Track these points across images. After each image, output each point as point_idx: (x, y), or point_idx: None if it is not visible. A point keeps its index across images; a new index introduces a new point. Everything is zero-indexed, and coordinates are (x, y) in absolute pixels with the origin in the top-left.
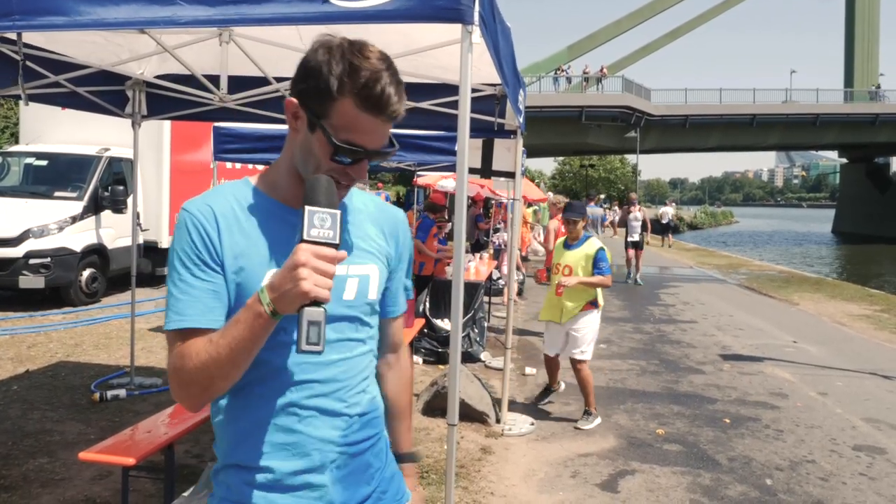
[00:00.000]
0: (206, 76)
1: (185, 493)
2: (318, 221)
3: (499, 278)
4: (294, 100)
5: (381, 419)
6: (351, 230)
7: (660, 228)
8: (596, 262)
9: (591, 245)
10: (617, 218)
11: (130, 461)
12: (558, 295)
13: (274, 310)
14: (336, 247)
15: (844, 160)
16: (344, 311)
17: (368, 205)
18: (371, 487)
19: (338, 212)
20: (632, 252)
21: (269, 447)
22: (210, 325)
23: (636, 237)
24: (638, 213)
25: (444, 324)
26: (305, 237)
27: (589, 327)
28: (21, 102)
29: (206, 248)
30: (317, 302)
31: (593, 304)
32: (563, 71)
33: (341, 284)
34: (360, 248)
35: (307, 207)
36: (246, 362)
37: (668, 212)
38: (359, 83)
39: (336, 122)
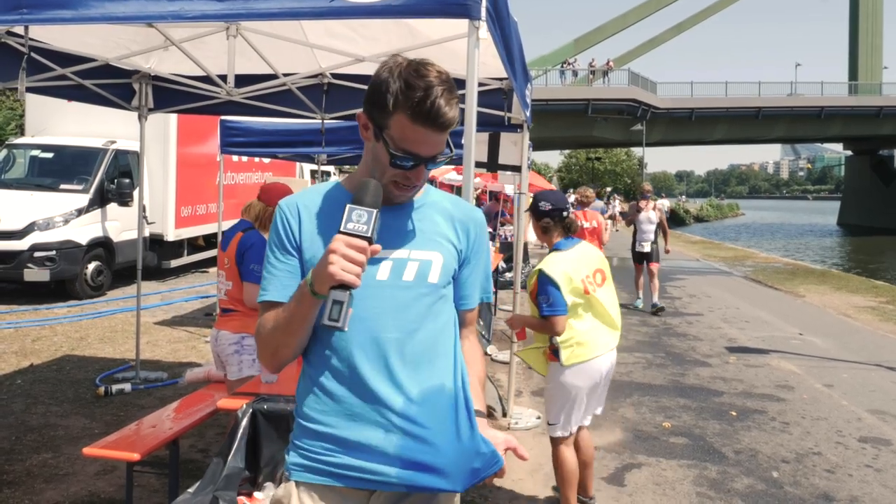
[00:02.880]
0: (212, 70)
1: (190, 489)
2: (356, 217)
3: (504, 270)
4: (364, 114)
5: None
6: (419, 220)
7: None
8: (537, 293)
9: (540, 264)
10: (617, 210)
11: (135, 456)
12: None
13: (313, 290)
14: (369, 240)
15: (849, 153)
16: (404, 291)
17: (443, 200)
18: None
19: (374, 210)
20: (641, 268)
21: (331, 408)
22: (285, 299)
23: (647, 246)
24: (652, 213)
25: None
26: (342, 230)
27: (547, 388)
28: (26, 94)
29: (286, 236)
30: (346, 286)
31: (555, 353)
32: (569, 64)
33: (402, 266)
34: (425, 236)
35: (348, 205)
36: (299, 332)
37: (664, 203)
38: (412, 100)
39: (394, 134)
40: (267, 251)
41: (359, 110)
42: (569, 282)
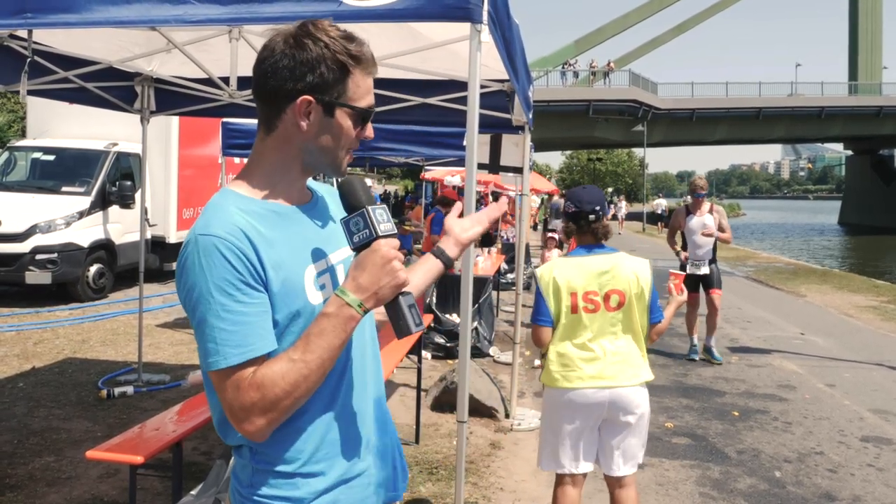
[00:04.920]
0: (215, 73)
1: (193, 491)
2: (379, 217)
3: (507, 271)
4: (307, 97)
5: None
6: (326, 218)
7: (654, 218)
8: None
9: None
10: (623, 212)
11: (138, 459)
12: None
13: (367, 309)
14: (396, 236)
15: (850, 152)
16: None
17: (324, 189)
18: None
19: (385, 205)
20: (696, 299)
21: (326, 446)
22: (273, 348)
23: (703, 267)
24: (709, 217)
25: (450, 317)
26: (381, 233)
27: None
28: (28, 96)
29: (247, 270)
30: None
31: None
32: (570, 65)
33: (335, 273)
34: (336, 235)
35: (368, 207)
36: (330, 370)
37: (661, 203)
38: (360, 52)
39: (353, 94)
40: (216, 297)
41: None
42: (556, 291)
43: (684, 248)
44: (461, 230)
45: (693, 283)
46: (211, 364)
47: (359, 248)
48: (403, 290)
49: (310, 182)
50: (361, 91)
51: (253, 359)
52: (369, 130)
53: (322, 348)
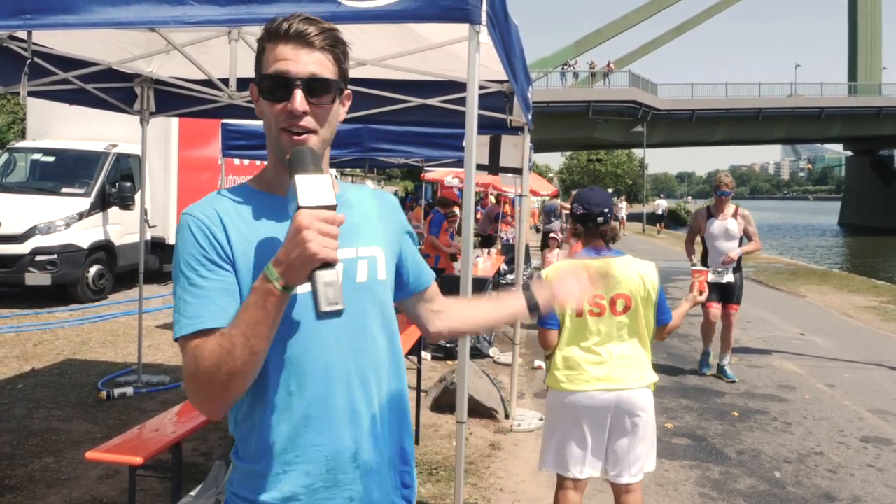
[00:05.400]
0: (214, 74)
1: (193, 492)
2: (311, 186)
3: (506, 272)
4: (252, 83)
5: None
6: (352, 215)
7: (654, 219)
8: None
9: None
10: (623, 214)
11: (138, 460)
12: None
13: (285, 283)
14: (334, 208)
15: (849, 153)
16: (360, 294)
17: (365, 192)
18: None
19: (328, 175)
20: (716, 311)
21: (295, 448)
22: (226, 325)
23: (725, 275)
24: (732, 222)
25: None
26: (302, 204)
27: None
28: (28, 97)
29: (212, 248)
30: (327, 265)
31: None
32: (570, 66)
33: (353, 266)
34: (365, 231)
35: (297, 176)
36: (263, 350)
37: (661, 203)
38: (273, 27)
39: (265, 67)
40: (183, 271)
41: (359, 113)
42: None
43: (703, 256)
44: (567, 293)
45: (715, 293)
46: (173, 333)
47: None
48: (329, 264)
49: (348, 187)
50: (270, 61)
51: (201, 331)
52: (295, 101)
53: (245, 322)
